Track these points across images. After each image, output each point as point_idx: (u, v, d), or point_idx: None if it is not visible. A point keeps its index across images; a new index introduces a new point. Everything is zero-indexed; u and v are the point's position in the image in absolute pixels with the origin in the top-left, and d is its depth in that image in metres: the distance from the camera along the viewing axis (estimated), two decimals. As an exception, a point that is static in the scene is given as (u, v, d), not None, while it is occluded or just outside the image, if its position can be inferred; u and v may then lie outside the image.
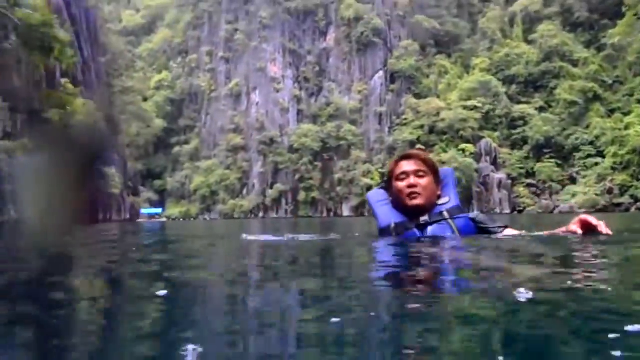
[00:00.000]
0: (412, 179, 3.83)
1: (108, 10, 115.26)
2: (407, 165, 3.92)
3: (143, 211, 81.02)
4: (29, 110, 30.65)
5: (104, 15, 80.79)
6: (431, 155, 4.23)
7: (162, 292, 1.72)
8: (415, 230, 3.82)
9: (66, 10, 44.96)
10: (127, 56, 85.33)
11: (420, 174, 3.86)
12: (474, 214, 4.01)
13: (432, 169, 3.94)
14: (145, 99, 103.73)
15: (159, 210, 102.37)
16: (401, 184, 3.87)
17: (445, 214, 3.83)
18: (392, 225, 3.88)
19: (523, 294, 1.50)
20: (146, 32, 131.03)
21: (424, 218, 3.82)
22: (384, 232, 3.94)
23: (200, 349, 1.06)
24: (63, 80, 39.69)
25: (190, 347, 1.12)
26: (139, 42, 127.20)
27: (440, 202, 3.92)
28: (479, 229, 3.90)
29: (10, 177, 26.61)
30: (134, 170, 71.76)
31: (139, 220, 58.88)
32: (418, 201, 3.80)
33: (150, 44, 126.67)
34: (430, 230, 3.81)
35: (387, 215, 3.96)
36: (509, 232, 3.93)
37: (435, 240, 3.61)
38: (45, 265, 3.41)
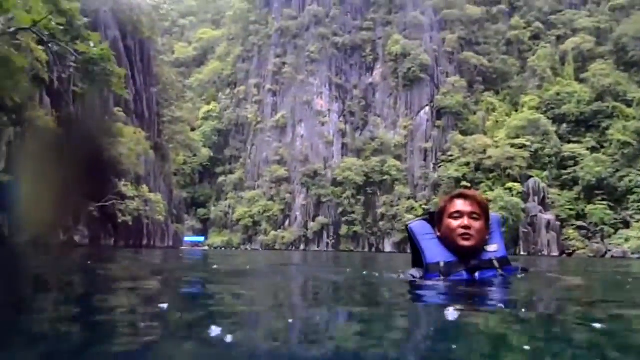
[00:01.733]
0: (467, 220, 3.83)
1: (162, 42, 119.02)
2: (462, 205, 3.92)
3: (186, 239, 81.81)
4: (82, 137, 31.54)
5: (157, 47, 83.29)
6: (483, 196, 4.17)
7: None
8: (464, 273, 3.81)
9: (122, 42, 46.43)
10: (178, 87, 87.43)
11: (475, 216, 3.87)
12: (519, 266, 4.19)
13: (485, 213, 3.94)
14: (193, 129, 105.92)
15: (202, 239, 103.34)
16: (455, 223, 3.86)
17: (495, 263, 3.86)
18: (442, 264, 3.85)
19: (451, 314, 1.80)
20: (197, 64, 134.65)
21: (474, 262, 3.82)
22: (430, 268, 3.90)
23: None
24: (115, 109, 40.75)
25: (214, 327, 1.51)
26: (189, 73, 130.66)
27: (488, 248, 3.93)
28: None
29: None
30: (179, 198, 72.69)
31: (182, 247, 59.32)
32: (470, 243, 3.80)
33: (200, 75, 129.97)
34: (478, 274, 3.83)
35: (436, 251, 3.93)
36: None
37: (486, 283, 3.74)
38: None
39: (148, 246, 45.06)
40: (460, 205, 3.91)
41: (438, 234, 4.00)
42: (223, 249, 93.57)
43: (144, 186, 44.13)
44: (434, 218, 4.11)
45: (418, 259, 4.09)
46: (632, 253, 66.11)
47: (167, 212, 53.75)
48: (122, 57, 43.80)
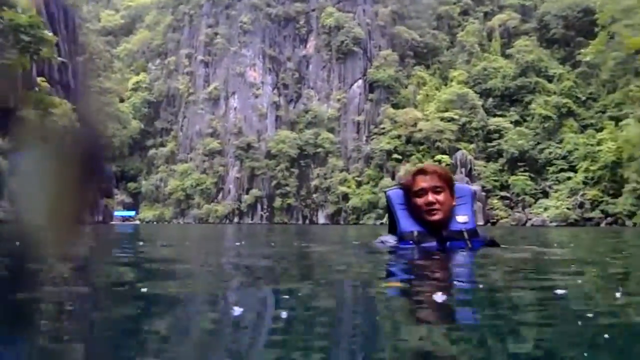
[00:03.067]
0: (430, 196, 4.05)
1: (87, 9, 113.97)
2: (424, 181, 4.12)
3: (116, 214, 79.91)
4: (4, 109, 30.09)
5: (82, 14, 79.77)
6: (444, 169, 4.44)
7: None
8: (435, 243, 4.09)
9: (45, 8, 44.29)
10: (105, 56, 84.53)
11: (438, 189, 4.07)
12: (487, 237, 4.37)
13: (448, 183, 4.15)
14: (122, 100, 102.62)
15: (132, 213, 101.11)
16: (420, 200, 4.09)
17: (465, 234, 4.11)
18: (415, 233, 4.11)
19: (439, 297, 1.90)
20: (125, 33, 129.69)
21: (445, 232, 4.09)
22: (404, 236, 4.16)
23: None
24: (39, 79, 39.06)
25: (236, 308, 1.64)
26: (117, 42, 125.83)
27: (459, 219, 4.16)
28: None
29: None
30: (108, 171, 70.72)
31: (112, 222, 58.02)
32: (437, 216, 4.05)
33: (128, 45, 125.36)
34: (448, 244, 4.10)
35: (409, 222, 4.18)
36: None
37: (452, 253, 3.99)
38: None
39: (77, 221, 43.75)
40: (422, 181, 4.11)
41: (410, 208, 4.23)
42: (155, 223, 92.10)
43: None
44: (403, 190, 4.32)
45: (393, 225, 4.33)
46: (551, 221, 70.02)
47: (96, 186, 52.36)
48: (46, 24, 41.85)
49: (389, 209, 4.35)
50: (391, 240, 4.33)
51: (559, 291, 2.18)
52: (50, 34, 30.01)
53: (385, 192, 4.48)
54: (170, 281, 2.88)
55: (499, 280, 2.83)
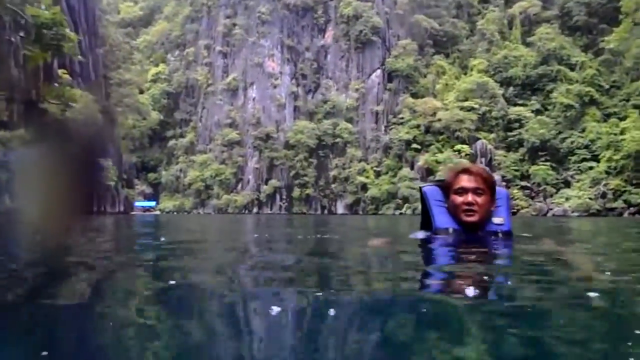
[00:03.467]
0: (470, 197, 4.00)
1: (106, 1, 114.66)
2: (466, 181, 4.06)
3: (137, 204, 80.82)
4: (26, 101, 30.46)
5: (101, 6, 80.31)
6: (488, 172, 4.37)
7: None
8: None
9: (65, 1, 44.68)
10: (125, 48, 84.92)
11: (479, 191, 4.02)
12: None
13: (490, 188, 4.10)
14: (141, 92, 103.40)
15: (153, 204, 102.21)
16: (459, 199, 4.04)
17: (500, 235, 4.09)
18: (451, 230, 4.09)
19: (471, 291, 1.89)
20: (144, 25, 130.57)
21: (481, 233, 4.07)
22: (439, 232, 4.14)
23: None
24: (60, 72, 39.47)
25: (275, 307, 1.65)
26: (136, 34, 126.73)
27: (495, 220, 4.13)
28: None
29: (6, 166, 26.47)
30: (129, 162, 71.41)
31: (133, 213, 58.68)
32: (473, 218, 4.00)
33: (147, 36, 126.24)
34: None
35: (445, 218, 4.15)
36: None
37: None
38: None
39: (98, 212, 44.43)
40: (464, 181, 4.06)
41: (447, 205, 4.20)
42: (175, 213, 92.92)
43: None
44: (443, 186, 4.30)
45: (426, 222, 4.32)
46: (572, 211, 69.19)
47: (117, 177, 52.91)
48: (66, 18, 42.22)
49: (424, 205, 4.34)
50: (423, 236, 4.35)
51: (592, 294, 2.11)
52: (72, 33, 30.25)
53: (420, 188, 4.46)
54: (201, 274, 2.88)
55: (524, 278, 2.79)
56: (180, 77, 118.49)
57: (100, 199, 48.07)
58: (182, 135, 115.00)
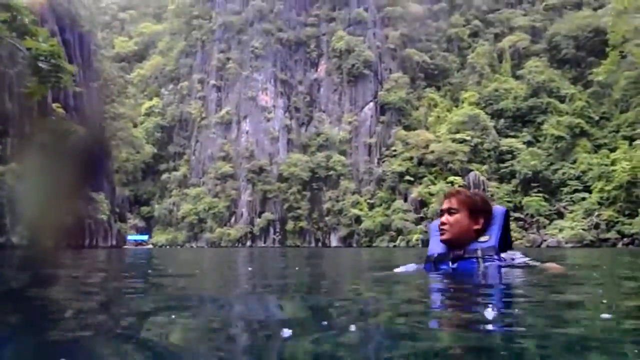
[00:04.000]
0: (444, 217, 4.21)
1: (101, 36, 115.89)
2: (444, 204, 4.32)
3: (129, 237, 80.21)
4: (20, 135, 30.49)
5: (96, 41, 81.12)
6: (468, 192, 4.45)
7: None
8: (449, 263, 4.16)
9: (60, 35, 45.08)
10: (119, 82, 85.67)
11: (452, 211, 4.20)
12: (510, 254, 4.21)
13: (467, 206, 4.21)
14: (135, 125, 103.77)
15: (145, 237, 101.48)
16: (440, 220, 4.28)
17: (479, 252, 4.08)
18: (435, 255, 4.27)
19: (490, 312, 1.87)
20: (138, 59, 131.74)
21: (459, 252, 4.12)
22: (427, 259, 4.37)
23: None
24: (54, 105, 39.61)
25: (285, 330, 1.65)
26: (130, 68, 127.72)
27: (480, 239, 4.17)
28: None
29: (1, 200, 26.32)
30: (121, 196, 71.24)
31: (125, 246, 58.20)
32: (444, 236, 4.18)
33: (142, 70, 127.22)
34: (458, 265, 4.13)
35: (434, 246, 4.35)
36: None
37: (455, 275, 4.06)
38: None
39: (90, 246, 44.07)
40: (443, 204, 4.31)
41: None
42: (168, 247, 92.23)
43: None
44: None
45: None
46: (566, 242, 69.18)
47: (109, 210, 52.64)
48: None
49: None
50: (413, 267, 4.66)
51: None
52: (70, 65, 30.43)
53: (429, 225, 4.73)
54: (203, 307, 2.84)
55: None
56: (174, 111, 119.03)
57: (93, 233, 47.70)
58: (175, 169, 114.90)
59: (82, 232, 43.58)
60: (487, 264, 4.03)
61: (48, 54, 27.09)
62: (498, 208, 4.36)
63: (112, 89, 63.92)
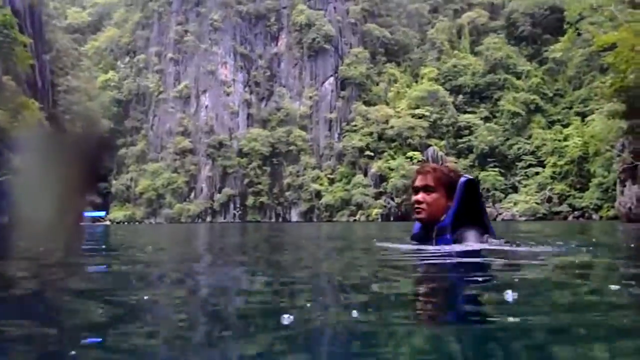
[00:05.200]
0: (420, 195, 4.03)
1: (53, 5, 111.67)
2: (418, 181, 4.11)
3: (86, 214, 78.57)
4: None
5: (48, 11, 78.21)
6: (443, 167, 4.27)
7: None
8: (432, 242, 4.06)
9: (9, 5, 43.31)
10: (73, 54, 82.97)
11: (430, 189, 4.01)
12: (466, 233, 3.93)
13: (444, 184, 4.03)
14: (90, 99, 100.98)
15: (103, 214, 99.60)
16: (413, 198, 4.11)
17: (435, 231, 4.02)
18: (419, 233, 4.24)
19: (510, 295, 1.80)
20: (92, 31, 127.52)
21: (435, 229, 4.02)
22: (413, 236, 4.38)
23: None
24: (5, 78, 38.19)
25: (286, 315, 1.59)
26: (84, 40, 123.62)
27: (443, 217, 4.04)
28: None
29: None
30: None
31: (82, 223, 56.99)
32: (421, 216, 4.05)
33: (96, 43, 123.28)
34: (437, 241, 4.03)
35: (417, 224, 4.33)
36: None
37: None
38: None
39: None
40: (416, 180, 4.11)
41: None
42: (126, 223, 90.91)
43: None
44: None
45: None
46: (520, 216, 71.19)
47: (64, 186, 51.44)
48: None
49: None
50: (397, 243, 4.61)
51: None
52: (24, 36, 29.21)
53: None
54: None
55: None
56: (130, 85, 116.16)
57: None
58: (132, 144, 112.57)
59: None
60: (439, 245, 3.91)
61: (1, 25, 25.95)
62: (460, 180, 4.10)
63: (66, 62, 61.94)
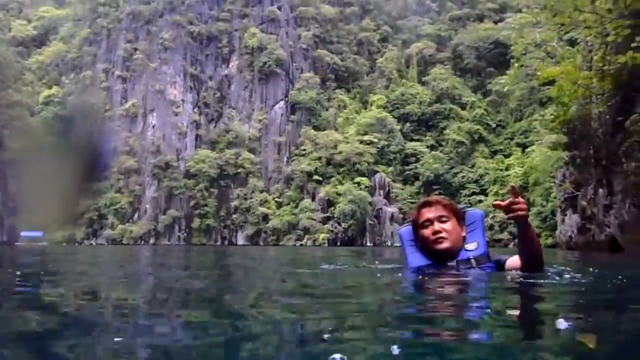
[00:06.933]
0: (437, 225, 3.92)
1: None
2: (429, 213, 4.00)
3: (23, 233, 75.40)
4: None
5: (-10, 23, 75.95)
6: (446, 199, 4.24)
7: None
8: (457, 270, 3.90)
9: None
10: (16, 67, 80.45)
11: (443, 219, 3.94)
12: (502, 258, 4.03)
13: (454, 213, 4.02)
14: (32, 114, 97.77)
15: (40, 234, 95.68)
16: (426, 232, 3.96)
17: (473, 262, 3.90)
18: (420, 267, 4.02)
19: (563, 323, 1.70)
20: (37, 45, 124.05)
21: (451, 263, 3.90)
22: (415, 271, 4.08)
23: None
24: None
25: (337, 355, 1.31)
26: (28, 53, 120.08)
27: (468, 247, 3.98)
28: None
29: None
30: (14, 188, 66.93)
31: (18, 243, 54.71)
32: (444, 245, 3.88)
33: (40, 57, 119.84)
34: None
35: (417, 257, 4.08)
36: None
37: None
38: None
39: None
40: (427, 213, 3.99)
41: (419, 244, 4.10)
42: (65, 244, 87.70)
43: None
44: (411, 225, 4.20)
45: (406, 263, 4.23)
46: (463, 242, 72.64)
47: (1, 204, 49.42)
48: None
49: (402, 246, 4.28)
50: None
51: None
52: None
53: (398, 231, 4.43)
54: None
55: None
56: (75, 101, 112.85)
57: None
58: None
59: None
60: (484, 270, 3.88)
61: None
62: (476, 212, 4.19)
63: (8, 74, 59.89)
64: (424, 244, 4.01)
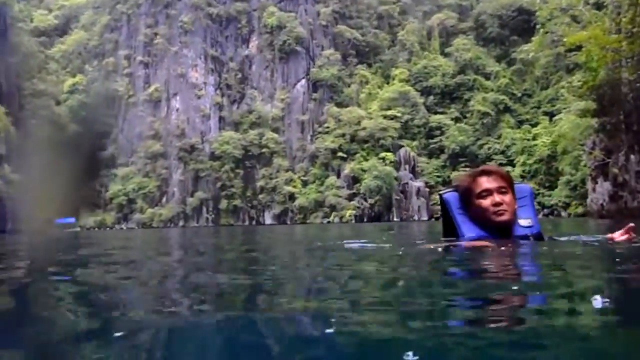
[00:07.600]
0: (497, 197, 3.79)
1: (18, 8, 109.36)
2: (487, 182, 3.86)
3: (57, 220, 77.03)
4: None
5: (13, 14, 76.64)
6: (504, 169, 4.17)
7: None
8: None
9: (-30, 8, 42.27)
10: (40, 57, 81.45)
11: (503, 190, 3.83)
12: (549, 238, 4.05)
13: (511, 185, 3.92)
14: (58, 103, 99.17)
15: (72, 220, 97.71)
16: (485, 202, 3.81)
17: (531, 239, 3.86)
18: (478, 237, 3.84)
19: (598, 301, 1.59)
20: (59, 34, 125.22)
21: (507, 239, 3.80)
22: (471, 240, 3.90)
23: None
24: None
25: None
26: (51, 43, 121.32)
27: (522, 223, 3.89)
28: None
29: None
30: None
31: (52, 230, 55.82)
32: (505, 217, 3.77)
33: (63, 46, 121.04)
34: None
35: (470, 226, 3.90)
36: None
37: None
38: None
39: (13, 230, 42.14)
40: (486, 182, 3.86)
41: (469, 214, 3.94)
42: (96, 229, 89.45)
43: (5, 166, 41.10)
44: (460, 193, 4.03)
45: (450, 229, 4.05)
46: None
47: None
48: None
49: (446, 213, 4.07)
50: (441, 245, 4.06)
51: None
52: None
53: (440, 195, 4.20)
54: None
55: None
56: (99, 88, 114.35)
57: (15, 217, 45.63)
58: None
59: (2, 216, 41.67)
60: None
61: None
62: (525, 187, 4.10)
63: (32, 65, 60.69)
64: (480, 214, 3.84)
